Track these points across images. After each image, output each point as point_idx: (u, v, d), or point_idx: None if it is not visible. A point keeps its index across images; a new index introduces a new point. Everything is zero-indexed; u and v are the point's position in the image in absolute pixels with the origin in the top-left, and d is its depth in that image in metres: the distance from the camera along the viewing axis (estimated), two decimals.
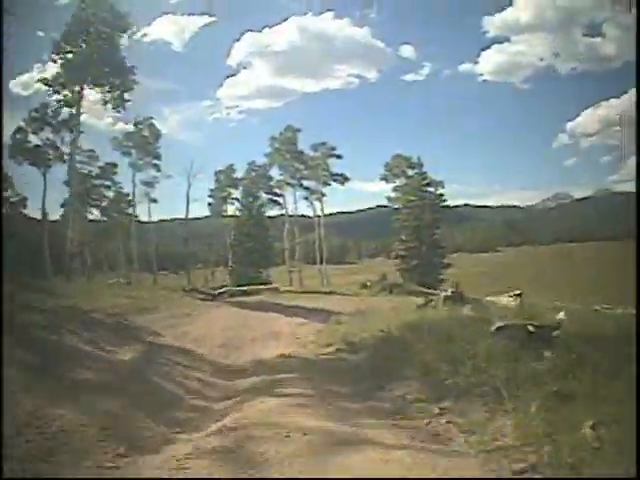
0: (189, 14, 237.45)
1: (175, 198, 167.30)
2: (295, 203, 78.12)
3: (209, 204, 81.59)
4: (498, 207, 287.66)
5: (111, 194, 75.65)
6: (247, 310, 30.31)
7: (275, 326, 22.92)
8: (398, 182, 77.64)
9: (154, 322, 21.91)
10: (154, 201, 75.97)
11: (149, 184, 73.90)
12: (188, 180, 71.33)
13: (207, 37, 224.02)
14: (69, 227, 52.94)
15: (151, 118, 75.11)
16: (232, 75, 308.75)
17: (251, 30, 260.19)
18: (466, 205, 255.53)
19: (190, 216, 76.28)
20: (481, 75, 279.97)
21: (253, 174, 77.63)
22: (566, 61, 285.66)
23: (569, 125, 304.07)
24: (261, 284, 53.05)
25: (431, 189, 72.32)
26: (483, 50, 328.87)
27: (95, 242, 73.47)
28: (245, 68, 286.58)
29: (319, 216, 78.15)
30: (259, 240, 65.31)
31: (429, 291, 41.61)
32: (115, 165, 74.25)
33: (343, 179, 77.52)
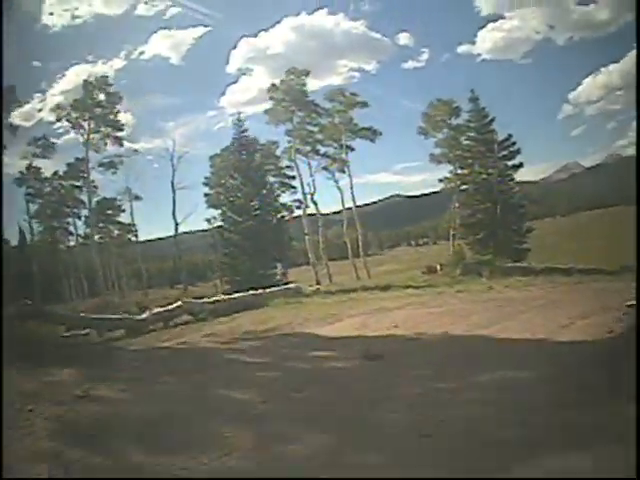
0: (184, 27, 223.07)
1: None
2: (312, 180, 53.47)
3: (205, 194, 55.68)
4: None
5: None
6: None
7: None
8: (440, 135, 53.82)
9: None
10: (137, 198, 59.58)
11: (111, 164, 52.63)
12: (172, 188, 48.99)
13: (204, 47, 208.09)
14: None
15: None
16: (233, 82, 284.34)
17: (246, 35, 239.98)
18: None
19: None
20: (479, 55, 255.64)
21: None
22: (562, 32, 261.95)
23: (572, 95, 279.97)
24: (271, 286, 29.23)
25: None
26: (479, 30, 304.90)
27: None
28: (245, 74, 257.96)
29: (348, 194, 53.98)
30: (267, 233, 39.36)
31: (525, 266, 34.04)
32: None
33: (372, 134, 52.72)
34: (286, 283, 36.34)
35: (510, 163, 44.88)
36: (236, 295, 25.21)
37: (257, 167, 41.55)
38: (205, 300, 22.89)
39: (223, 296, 25.70)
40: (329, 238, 70.16)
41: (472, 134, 46.48)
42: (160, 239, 66.67)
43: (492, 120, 45.54)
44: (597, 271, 31.89)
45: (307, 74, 52.95)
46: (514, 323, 13.06)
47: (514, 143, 44.58)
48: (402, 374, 8.61)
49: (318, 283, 46.31)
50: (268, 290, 26.39)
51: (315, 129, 53.86)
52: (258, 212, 39.49)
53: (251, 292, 25.93)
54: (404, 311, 16.69)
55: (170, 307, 20.43)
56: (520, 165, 44.75)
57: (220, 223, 41.35)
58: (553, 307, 15.71)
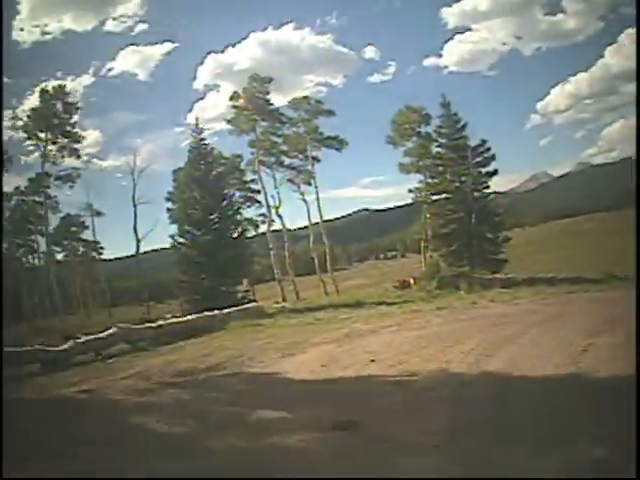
0: (152, 43, 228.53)
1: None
2: (277, 192, 51.87)
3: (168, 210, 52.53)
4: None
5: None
6: None
7: None
8: (410, 144, 51.73)
9: None
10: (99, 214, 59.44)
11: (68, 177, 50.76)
12: (134, 203, 49.10)
13: (171, 64, 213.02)
14: None
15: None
16: (200, 99, 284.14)
17: (214, 51, 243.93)
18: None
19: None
20: (446, 67, 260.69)
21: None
22: (529, 42, 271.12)
23: (540, 105, 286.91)
24: (232, 306, 25.59)
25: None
26: (446, 42, 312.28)
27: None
28: (212, 90, 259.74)
29: (314, 211, 52.30)
30: (228, 248, 35.84)
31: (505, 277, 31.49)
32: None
33: (338, 143, 50.03)
34: (250, 301, 33.09)
35: (484, 170, 42.18)
36: (187, 318, 21.83)
37: (216, 178, 38.04)
38: (147, 325, 19.38)
39: (173, 319, 22.26)
40: (297, 253, 67.66)
41: (443, 141, 43.81)
42: (131, 256, 63.58)
43: (464, 126, 42.92)
44: (582, 280, 29.67)
45: (270, 81, 50.20)
46: (520, 349, 10.17)
47: (489, 149, 41.96)
48: (393, 462, 5.43)
49: (284, 300, 43.47)
50: (226, 311, 23.11)
51: (279, 140, 51.22)
52: (217, 226, 36.02)
53: (206, 313, 22.67)
54: (380, 337, 13.58)
55: (102, 335, 16.94)
56: (495, 172, 42.16)
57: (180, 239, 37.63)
58: (554, 324, 13.34)
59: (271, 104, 49.40)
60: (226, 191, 39.86)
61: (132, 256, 57.07)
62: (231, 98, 50.94)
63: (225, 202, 37.61)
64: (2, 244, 46.05)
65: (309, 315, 22.54)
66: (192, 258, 36.03)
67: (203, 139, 38.84)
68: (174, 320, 21.49)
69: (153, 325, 19.33)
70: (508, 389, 7.63)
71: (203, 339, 17.75)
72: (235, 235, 37.14)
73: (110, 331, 17.20)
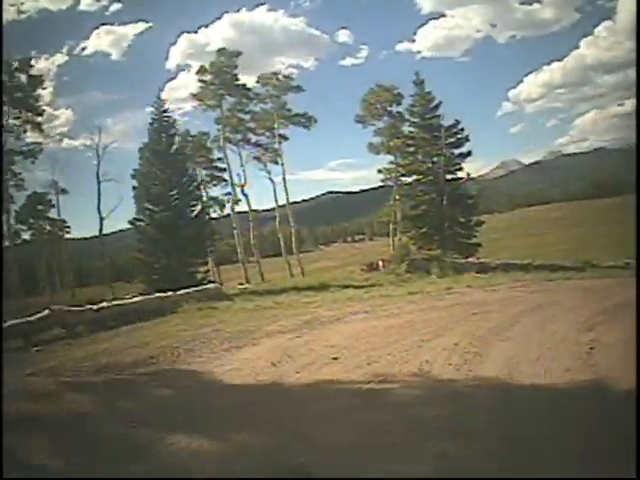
0: (126, 23, 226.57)
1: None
2: (243, 170, 49.55)
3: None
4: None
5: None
6: None
7: None
8: (380, 124, 49.64)
9: None
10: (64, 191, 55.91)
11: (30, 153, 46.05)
12: (98, 180, 44.21)
13: (145, 44, 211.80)
14: None
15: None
16: (172, 79, 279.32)
17: (187, 32, 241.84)
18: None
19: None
20: (419, 52, 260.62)
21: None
22: (504, 30, 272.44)
23: (512, 93, 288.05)
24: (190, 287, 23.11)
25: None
26: (419, 27, 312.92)
27: None
28: (184, 70, 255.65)
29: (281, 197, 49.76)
30: (188, 226, 33.56)
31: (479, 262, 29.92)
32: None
33: (307, 120, 47.97)
34: (210, 282, 31.01)
35: (457, 151, 40.43)
36: (134, 300, 19.69)
37: (178, 152, 35.75)
38: (88, 307, 17.21)
39: (117, 301, 20.07)
40: (265, 235, 65.89)
41: (416, 120, 41.91)
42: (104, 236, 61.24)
43: (438, 105, 41.10)
44: (559, 267, 28.28)
45: (238, 55, 47.83)
46: (515, 347, 8.36)
47: (462, 129, 40.20)
48: None
49: (248, 282, 41.45)
50: (180, 292, 21.03)
51: (246, 117, 48.87)
52: (177, 202, 33.77)
53: (157, 295, 20.63)
54: (345, 326, 11.65)
55: (32, 318, 14.80)
56: (469, 153, 40.46)
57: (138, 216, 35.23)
58: (543, 314, 11.62)
59: (238, 79, 47.08)
60: (188, 165, 37.70)
61: (105, 235, 54.72)
62: (198, 72, 48.50)
63: (186, 178, 35.37)
64: None
65: (269, 298, 20.57)
66: (150, 236, 33.86)
67: (165, 111, 36.57)
68: (118, 302, 19.31)
69: (94, 307, 17.15)
70: (519, 405, 5.68)
71: (148, 324, 15.69)
72: (196, 213, 34.95)
73: (41, 314, 15.04)
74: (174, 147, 35.60)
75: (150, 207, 33.96)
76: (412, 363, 7.55)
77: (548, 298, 14.68)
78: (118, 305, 18.37)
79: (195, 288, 23.19)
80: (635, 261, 18.15)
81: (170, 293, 20.73)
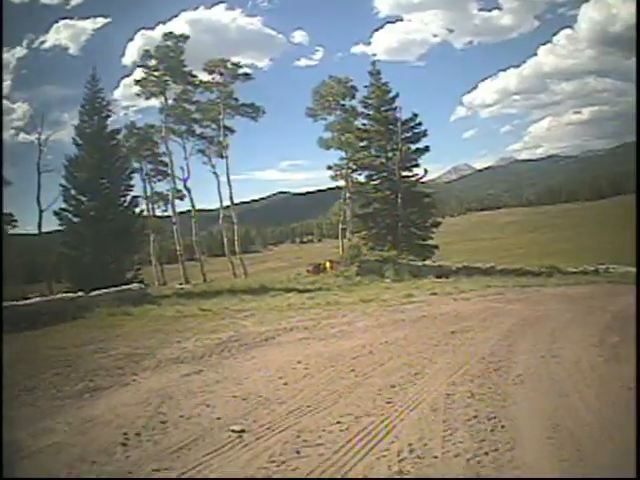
0: (85, 17, 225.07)
1: None
2: (186, 164, 46.03)
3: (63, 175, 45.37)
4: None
5: None
6: None
7: None
8: (332, 118, 45.88)
9: None
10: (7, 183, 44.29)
11: None
12: (38, 171, 37.89)
13: (102, 39, 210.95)
14: None
15: None
16: (126, 76, 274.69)
17: (145, 28, 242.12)
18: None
19: None
20: (374, 55, 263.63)
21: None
22: (461, 36, 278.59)
23: (466, 98, 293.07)
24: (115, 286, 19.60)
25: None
26: (376, 30, 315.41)
27: None
28: (140, 67, 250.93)
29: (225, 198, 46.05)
30: (118, 218, 29.69)
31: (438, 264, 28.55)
32: None
33: (255, 110, 44.77)
34: (139, 282, 27.33)
35: (414, 146, 37.63)
36: (32, 301, 16.09)
37: (110, 136, 31.83)
38: None
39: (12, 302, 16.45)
40: (215, 234, 62.94)
41: (370, 112, 38.91)
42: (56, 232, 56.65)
43: (395, 97, 38.28)
44: (525, 272, 25.98)
45: (185, 40, 44.20)
46: (539, 396, 5.25)
47: (420, 124, 37.43)
48: None
49: (187, 282, 37.95)
50: (94, 293, 17.56)
51: (192, 107, 45.26)
52: (107, 192, 29.91)
53: (60, 295, 17.17)
54: (274, 351, 8.31)
55: None
56: (426, 149, 37.69)
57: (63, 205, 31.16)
58: (540, 331, 9.12)
59: (185, 65, 43.41)
60: (120, 150, 33.91)
61: (58, 231, 50.14)
62: (141, 57, 44.73)
63: (118, 164, 31.52)
64: None
65: (198, 303, 17.20)
66: (75, 228, 29.99)
67: (98, 91, 32.73)
68: (11, 304, 15.71)
69: None
70: None
71: (37, 332, 12.28)
72: (126, 204, 31.13)
73: None
74: (106, 131, 31.71)
75: (76, 195, 30.07)
76: (373, 453, 4.17)
77: (534, 310, 11.87)
78: (7, 307, 14.76)
79: (115, 288, 19.73)
80: (635, 268, 16.19)
81: (80, 294, 17.31)
